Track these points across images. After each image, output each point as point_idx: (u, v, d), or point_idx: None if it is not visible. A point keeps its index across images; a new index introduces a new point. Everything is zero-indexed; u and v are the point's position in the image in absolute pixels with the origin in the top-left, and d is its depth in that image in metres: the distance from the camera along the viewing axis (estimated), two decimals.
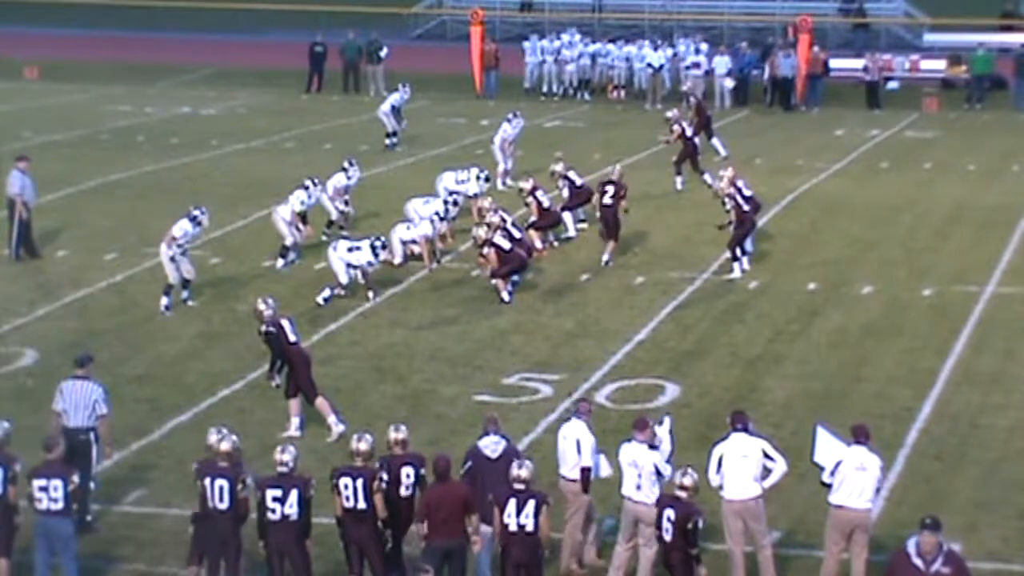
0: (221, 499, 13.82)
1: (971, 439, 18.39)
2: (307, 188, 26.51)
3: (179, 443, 18.03)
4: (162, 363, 21.25)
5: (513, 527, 13.57)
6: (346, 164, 28.31)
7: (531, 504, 13.52)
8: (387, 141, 37.04)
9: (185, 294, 23.63)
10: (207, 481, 13.86)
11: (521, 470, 13.73)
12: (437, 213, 25.87)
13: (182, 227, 23.51)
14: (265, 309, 18.57)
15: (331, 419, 18.33)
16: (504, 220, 24.46)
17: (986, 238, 28.12)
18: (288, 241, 26.07)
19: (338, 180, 28.02)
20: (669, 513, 13.54)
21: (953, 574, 12.41)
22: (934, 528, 12.41)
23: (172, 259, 23.36)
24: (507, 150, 32.76)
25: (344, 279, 23.55)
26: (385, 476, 14.00)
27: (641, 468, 14.26)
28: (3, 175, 27.44)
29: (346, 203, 28.09)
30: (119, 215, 29.67)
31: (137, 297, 24.42)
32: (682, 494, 13.62)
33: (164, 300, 23.40)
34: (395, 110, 37.46)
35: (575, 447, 14.73)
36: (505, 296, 23.86)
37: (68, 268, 26.06)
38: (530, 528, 13.53)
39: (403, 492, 14.17)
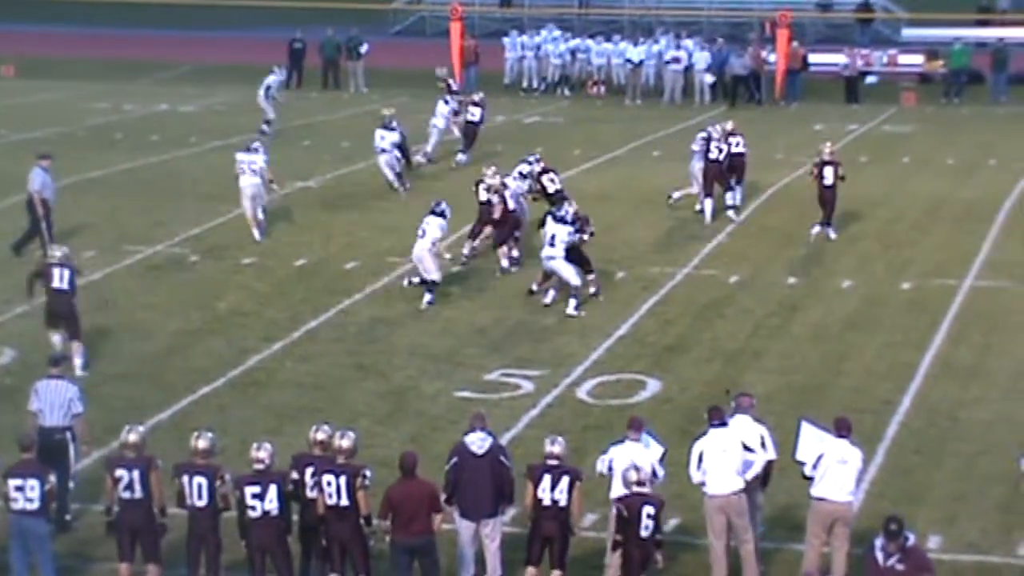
0: (200, 496, 13.81)
1: (950, 432, 18.45)
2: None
3: (159, 441, 17.90)
4: (141, 361, 21.20)
5: (547, 502, 13.91)
6: (255, 145, 28.71)
7: (565, 480, 13.90)
8: (263, 127, 37.04)
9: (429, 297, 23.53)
10: (185, 479, 13.85)
11: (555, 446, 14.05)
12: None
13: (438, 224, 23.56)
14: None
15: None
16: (505, 185, 25.17)
17: (964, 232, 28.19)
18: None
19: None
20: (648, 510, 13.59)
21: (908, 571, 12.45)
22: (893, 536, 12.46)
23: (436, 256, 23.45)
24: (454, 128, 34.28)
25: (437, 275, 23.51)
26: (295, 476, 14.02)
27: (645, 472, 14.25)
28: None
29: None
30: (97, 213, 29.58)
31: (116, 295, 24.35)
32: (645, 488, 13.73)
33: (427, 296, 23.40)
34: (268, 91, 38.33)
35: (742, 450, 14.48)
36: (504, 263, 23.89)
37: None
38: (563, 503, 13.89)
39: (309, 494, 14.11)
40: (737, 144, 29.10)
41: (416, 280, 23.92)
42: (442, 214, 23.81)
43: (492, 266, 25.46)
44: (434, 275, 23.43)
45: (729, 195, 28.79)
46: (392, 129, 31.67)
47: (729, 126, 29.59)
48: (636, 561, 13.64)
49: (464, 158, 34.19)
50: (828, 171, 27.07)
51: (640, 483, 13.76)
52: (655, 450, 14.60)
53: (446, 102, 35.02)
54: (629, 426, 14.66)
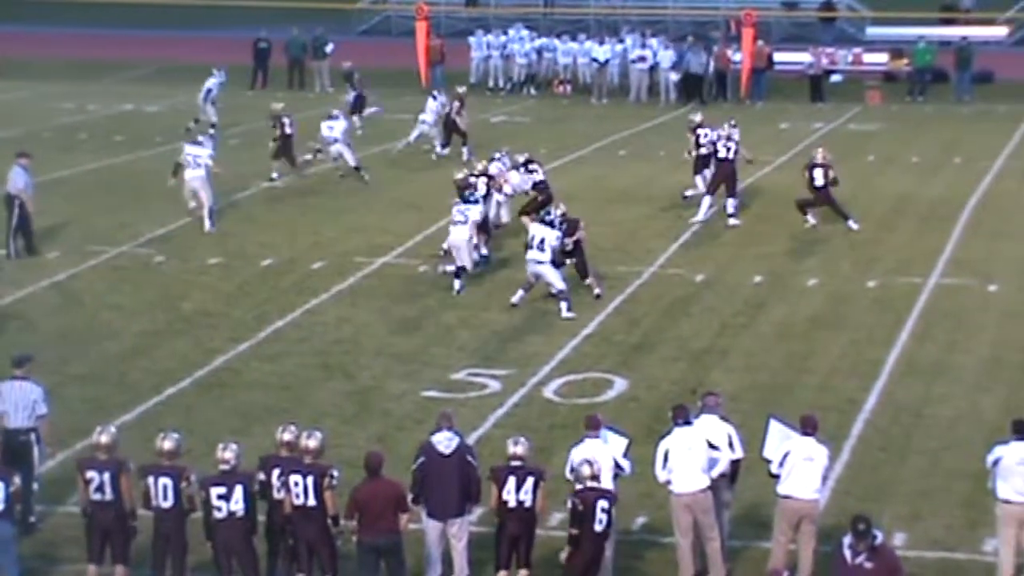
0: (165, 498, 13.76)
1: (915, 429, 18.53)
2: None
3: (124, 442, 17.78)
4: (107, 362, 21.11)
5: (512, 503, 13.92)
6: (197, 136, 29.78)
7: (530, 480, 13.93)
8: (210, 131, 37.06)
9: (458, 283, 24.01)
10: (150, 480, 13.80)
11: (517, 447, 14.05)
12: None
13: (479, 210, 24.49)
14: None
15: None
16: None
17: (929, 230, 28.33)
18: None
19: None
20: (603, 504, 13.64)
21: (876, 569, 12.49)
22: (861, 535, 12.50)
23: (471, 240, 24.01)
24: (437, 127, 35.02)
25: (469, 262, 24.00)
26: (262, 476, 14.01)
27: (599, 464, 14.28)
28: None
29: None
30: (62, 213, 29.43)
31: (80, 296, 24.26)
32: (598, 483, 13.77)
33: (457, 283, 23.92)
34: (209, 94, 38.51)
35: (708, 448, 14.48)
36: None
37: (10, 267, 25.84)
38: (528, 504, 13.92)
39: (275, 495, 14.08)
40: (705, 136, 29.88)
41: (450, 268, 24.25)
42: (475, 202, 24.79)
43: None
44: (467, 263, 23.93)
45: (731, 203, 28.61)
46: (336, 118, 32.51)
47: (698, 118, 30.78)
48: (589, 555, 13.67)
49: (443, 151, 34.82)
50: (818, 173, 27.79)
51: (594, 477, 13.79)
52: (617, 444, 14.59)
53: (434, 97, 35.56)
54: (586, 425, 14.68)
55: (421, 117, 35.41)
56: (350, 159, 32.15)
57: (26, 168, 26.54)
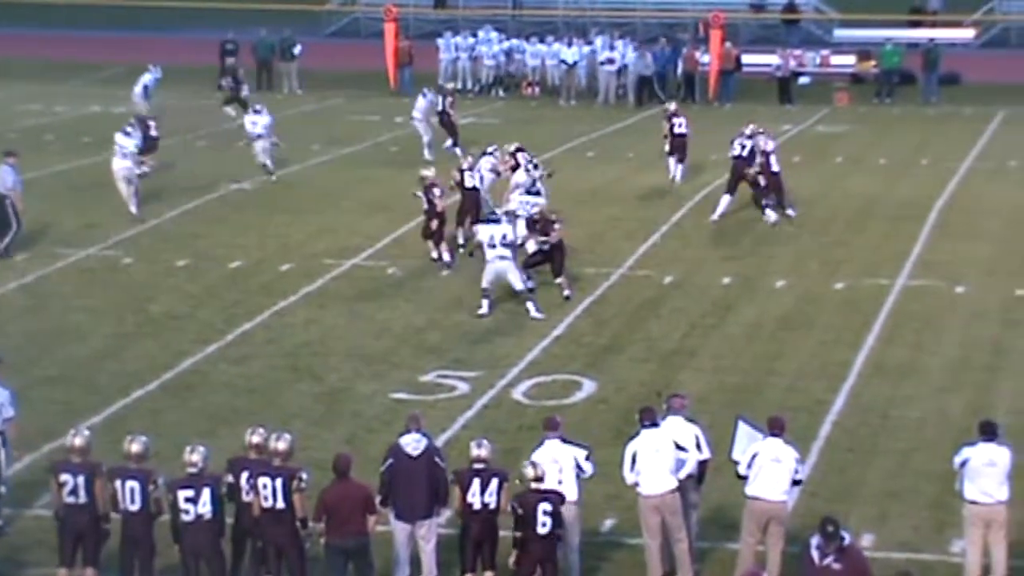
0: (132, 501, 13.72)
1: (883, 430, 18.59)
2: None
3: (92, 445, 17.81)
4: (74, 364, 21.04)
5: (477, 505, 13.90)
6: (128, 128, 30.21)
7: (494, 482, 13.91)
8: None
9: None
10: (118, 483, 13.76)
11: (481, 449, 14.04)
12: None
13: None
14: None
15: None
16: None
17: (897, 231, 28.41)
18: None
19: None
20: (545, 507, 13.63)
21: (844, 570, 12.52)
22: (830, 537, 12.53)
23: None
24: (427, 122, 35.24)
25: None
26: (230, 479, 14.00)
27: (562, 464, 14.29)
28: None
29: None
30: (29, 215, 29.18)
31: (48, 298, 24.16)
32: (540, 485, 13.78)
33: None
34: (146, 91, 38.77)
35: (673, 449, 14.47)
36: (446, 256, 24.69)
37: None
38: (493, 506, 13.90)
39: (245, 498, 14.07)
40: (680, 125, 31.34)
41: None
42: (538, 193, 25.65)
43: (429, 267, 25.44)
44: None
45: (768, 207, 28.61)
46: (260, 112, 32.74)
47: (672, 107, 32.40)
48: (538, 557, 13.67)
49: (457, 148, 34.79)
50: (773, 159, 28.33)
51: (538, 479, 13.80)
52: (578, 449, 14.58)
53: (424, 95, 35.85)
54: (545, 426, 14.68)
55: (412, 114, 35.85)
56: (261, 155, 32.44)
57: (14, 167, 26.69)
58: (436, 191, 25.44)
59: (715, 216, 28.66)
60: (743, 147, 28.81)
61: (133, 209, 28.75)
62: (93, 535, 13.98)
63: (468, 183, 26.51)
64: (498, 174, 27.65)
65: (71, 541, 14.00)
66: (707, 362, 21.10)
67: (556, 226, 23.64)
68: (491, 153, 28.16)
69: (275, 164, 32.68)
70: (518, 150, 27.91)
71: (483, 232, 23.19)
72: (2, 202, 26.20)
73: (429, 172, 26.13)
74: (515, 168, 27.56)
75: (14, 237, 26.38)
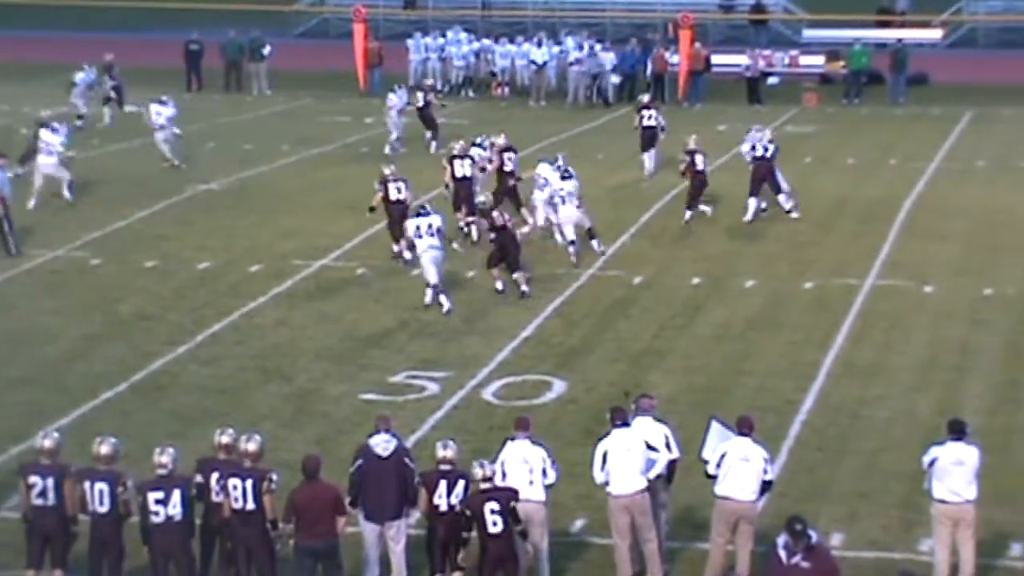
0: (101, 503, 13.68)
1: (852, 430, 18.65)
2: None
3: (61, 447, 17.74)
4: (43, 366, 20.95)
5: (444, 507, 13.86)
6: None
7: (461, 484, 13.87)
8: (76, 123, 37.31)
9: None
10: (87, 485, 13.71)
11: (447, 451, 14.03)
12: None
13: (573, 184, 26.33)
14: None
15: None
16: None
17: (866, 231, 28.51)
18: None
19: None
20: (492, 506, 13.60)
21: (812, 569, 12.55)
22: (797, 536, 12.56)
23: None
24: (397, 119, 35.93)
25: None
26: (200, 480, 13.96)
27: (532, 464, 14.29)
28: None
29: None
30: None
31: (16, 299, 24.06)
32: (487, 484, 13.77)
33: (595, 242, 25.35)
34: (75, 87, 39.29)
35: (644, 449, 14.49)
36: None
37: None
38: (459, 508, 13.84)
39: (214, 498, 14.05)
40: (649, 117, 32.43)
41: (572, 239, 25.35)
42: (570, 177, 26.65)
43: (397, 267, 25.42)
44: (588, 223, 25.84)
45: (783, 198, 29.18)
46: (165, 104, 33.33)
47: (645, 99, 33.81)
48: (495, 555, 13.65)
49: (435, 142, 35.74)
50: (699, 159, 28.75)
51: (487, 479, 13.79)
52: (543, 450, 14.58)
53: (394, 90, 36.54)
54: (516, 426, 14.67)
55: (386, 110, 36.40)
56: (162, 145, 33.03)
57: (3, 168, 26.71)
58: (395, 185, 25.71)
59: (747, 218, 28.80)
60: (765, 149, 29.07)
61: (67, 195, 29.69)
62: (62, 537, 13.93)
63: (459, 172, 26.88)
64: (483, 171, 27.71)
65: (39, 543, 13.95)
66: (677, 362, 21.14)
67: (496, 216, 23.77)
68: (480, 144, 28.31)
69: (177, 156, 33.42)
70: (509, 148, 27.98)
71: (410, 225, 23.41)
72: None
73: (388, 170, 26.22)
74: (499, 169, 27.69)
75: (13, 235, 26.32)
